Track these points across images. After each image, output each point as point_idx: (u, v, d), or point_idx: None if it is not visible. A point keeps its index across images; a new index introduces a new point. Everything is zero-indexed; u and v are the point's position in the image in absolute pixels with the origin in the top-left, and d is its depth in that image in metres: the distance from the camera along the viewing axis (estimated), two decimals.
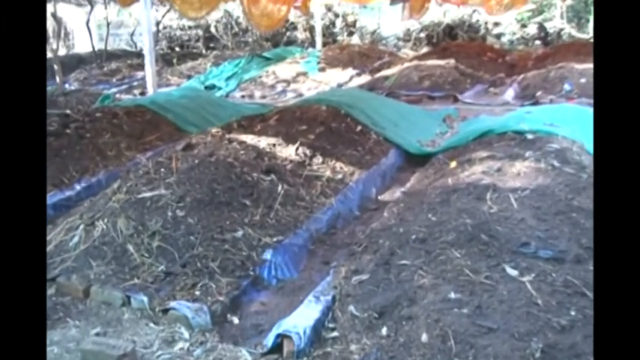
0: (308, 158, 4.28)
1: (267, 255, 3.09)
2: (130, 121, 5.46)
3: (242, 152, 3.99)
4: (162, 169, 3.65)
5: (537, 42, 13.28)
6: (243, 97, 8.98)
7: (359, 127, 5.11)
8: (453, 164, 3.96)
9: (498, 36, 13.76)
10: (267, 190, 3.63)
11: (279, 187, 3.70)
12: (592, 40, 10.19)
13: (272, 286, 2.98)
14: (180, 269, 2.94)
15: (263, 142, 4.32)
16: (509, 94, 7.77)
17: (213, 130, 4.61)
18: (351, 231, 3.62)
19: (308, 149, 4.35)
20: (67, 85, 9.45)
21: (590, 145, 4.08)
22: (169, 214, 3.23)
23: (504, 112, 6.10)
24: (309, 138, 4.53)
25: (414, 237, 2.78)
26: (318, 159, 4.33)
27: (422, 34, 14.14)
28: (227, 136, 4.38)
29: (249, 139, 4.33)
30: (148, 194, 3.37)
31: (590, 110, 5.02)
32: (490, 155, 3.85)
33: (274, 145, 4.30)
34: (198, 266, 2.95)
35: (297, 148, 4.31)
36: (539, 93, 7.32)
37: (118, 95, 8.67)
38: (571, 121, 4.66)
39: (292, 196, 3.71)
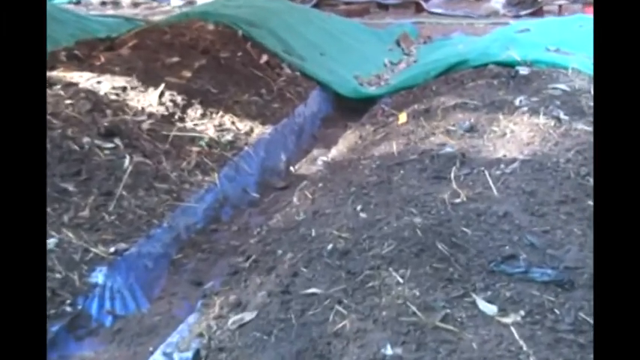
0: (179, 110, 4.10)
1: (99, 276, 2.84)
2: None
3: (68, 102, 3.77)
4: None
5: None
6: (104, 4, 8.85)
7: (264, 58, 5.05)
8: (403, 118, 3.89)
9: None
10: (105, 166, 3.42)
11: (127, 160, 3.49)
12: None
13: (104, 328, 2.74)
14: None
15: (106, 84, 4.08)
16: None
17: None
18: (244, 226, 3.51)
19: (180, 95, 4.18)
20: None
21: None
22: None
23: (490, 30, 6.32)
24: (182, 77, 4.37)
25: (330, 247, 2.63)
26: (196, 110, 4.17)
27: None
28: (47, 74, 4.19)
29: (84, 79, 4.11)
30: None
31: None
32: (460, 103, 3.80)
33: (124, 89, 4.09)
34: None
35: (161, 94, 4.11)
36: None
37: None
38: (591, 43, 4.58)
39: (148, 173, 3.52)
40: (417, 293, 2.28)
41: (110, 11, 8.24)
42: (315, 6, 7.59)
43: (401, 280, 2.35)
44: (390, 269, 2.42)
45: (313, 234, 2.79)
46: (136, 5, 8.64)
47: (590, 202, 2.83)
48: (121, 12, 8.11)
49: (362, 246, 2.59)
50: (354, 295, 2.36)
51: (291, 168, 4.18)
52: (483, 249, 2.46)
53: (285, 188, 3.87)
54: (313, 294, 2.43)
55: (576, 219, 2.67)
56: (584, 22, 5.40)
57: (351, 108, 4.82)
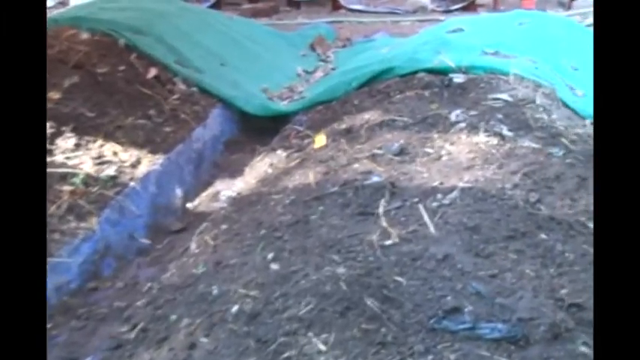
0: (47, 140, 4.05)
1: None
2: None
3: None
4: None
5: None
6: None
7: (153, 71, 5.00)
8: (321, 140, 3.93)
9: None
10: None
11: None
12: None
13: None
14: None
15: None
16: None
17: None
18: (131, 282, 3.48)
19: (48, 122, 4.12)
20: None
21: (565, 91, 4.12)
22: None
23: (418, 28, 6.41)
24: (50, 99, 4.30)
25: (235, 309, 2.61)
26: (67, 140, 4.12)
27: None
28: None
29: None
30: None
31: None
32: (387, 121, 3.85)
33: None
34: None
35: None
36: None
37: None
38: (533, 44, 4.72)
39: None
40: None
41: None
42: (214, 6, 7.53)
43: (323, 348, 2.32)
44: (310, 334, 2.38)
45: (215, 292, 2.76)
46: None
47: (543, 236, 2.85)
48: None
49: (274, 306, 2.56)
50: None
51: (189, 205, 4.17)
52: (421, 302, 2.43)
53: (182, 231, 3.86)
54: None
55: (528, 257, 2.68)
56: (523, 18, 5.48)
57: (259, 128, 4.85)
